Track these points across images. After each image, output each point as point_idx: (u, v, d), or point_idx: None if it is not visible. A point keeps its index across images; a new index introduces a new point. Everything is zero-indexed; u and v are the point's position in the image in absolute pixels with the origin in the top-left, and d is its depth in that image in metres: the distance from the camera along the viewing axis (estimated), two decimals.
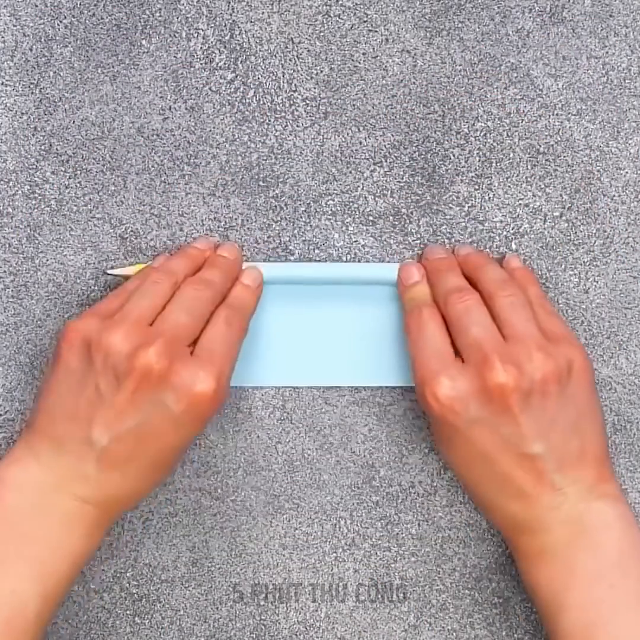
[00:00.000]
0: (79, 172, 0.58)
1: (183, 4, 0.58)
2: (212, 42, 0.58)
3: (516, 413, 0.50)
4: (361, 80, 0.58)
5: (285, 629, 0.58)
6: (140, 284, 0.53)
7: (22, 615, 0.49)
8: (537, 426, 0.50)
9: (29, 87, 0.58)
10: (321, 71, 0.58)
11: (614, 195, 0.58)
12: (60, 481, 0.51)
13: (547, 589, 0.51)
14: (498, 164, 0.58)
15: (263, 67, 0.58)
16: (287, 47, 0.58)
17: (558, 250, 0.58)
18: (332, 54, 0.58)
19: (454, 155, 0.58)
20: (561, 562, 0.51)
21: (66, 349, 0.51)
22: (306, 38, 0.58)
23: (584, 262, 0.58)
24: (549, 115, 0.58)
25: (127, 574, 0.58)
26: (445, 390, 0.51)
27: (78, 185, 0.58)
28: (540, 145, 0.58)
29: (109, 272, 0.57)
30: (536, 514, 0.51)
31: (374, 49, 0.58)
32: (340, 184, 0.58)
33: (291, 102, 0.58)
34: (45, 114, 0.58)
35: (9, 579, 0.49)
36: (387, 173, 0.58)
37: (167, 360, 0.50)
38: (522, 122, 0.58)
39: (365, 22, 0.58)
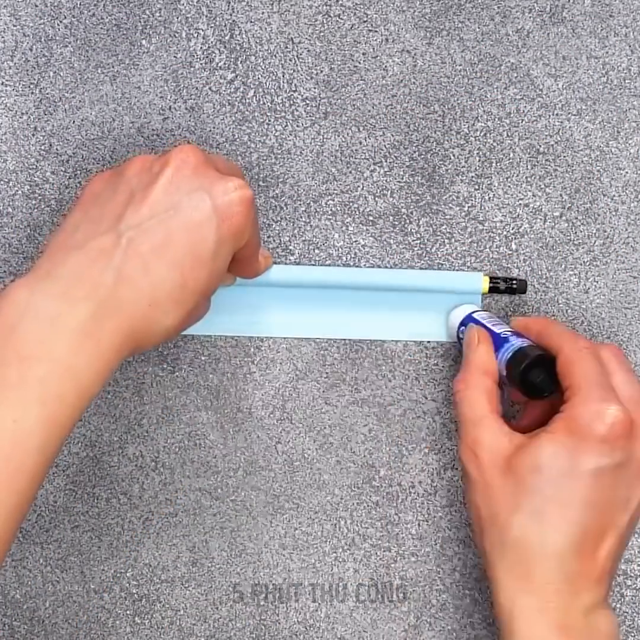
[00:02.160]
0: (79, 172, 0.58)
1: (183, 4, 0.58)
2: (212, 42, 0.58)
3: (637, 480, 0.50)
4: (361, 80, 0.58)
5: (285, 629, 0.58)
6: None
7: (23, 450, 0.42)
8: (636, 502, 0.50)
9: (29, 87, 0.58)
10: (321, 71, 0.58)
11: (614, 195, 0.58)
12: (75, 285, 0.44)
13: None
14: (498, 164, 0.58)
15: (263, 67, 0.58)
16: (287, 47, 0.58)
17: (558, 250, 0.58)
18: (332, 54, 0.58)
19: (454, 155, 0.58)
20: None
21: (94, 179, 0.49)
22: (306, 38, 0.58)
23: (584, 262, 0.58)
24: (549, 115, 0.58)
25: (127, 574, 0.58)
26: (616, 417, 0.48)
27: (78, 185, 0.58)
28: (540, 145, 0.58)
29: None
30: (569, 591, 0.48)
31: (374, 49, 0.58)
32: (340, 184, 0.58)
33: (291, 102, 0.58)
34: (45, 114, 0.58)
35: (11, 405, 0.43)
36: (387, 173, 0.58)
37: (201, 156, 0.48)
38: (522, 122, 0.58)
39: (365, 22, 0.58)
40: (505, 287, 0.57)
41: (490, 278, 0.57)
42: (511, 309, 0.58)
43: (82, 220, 0.48)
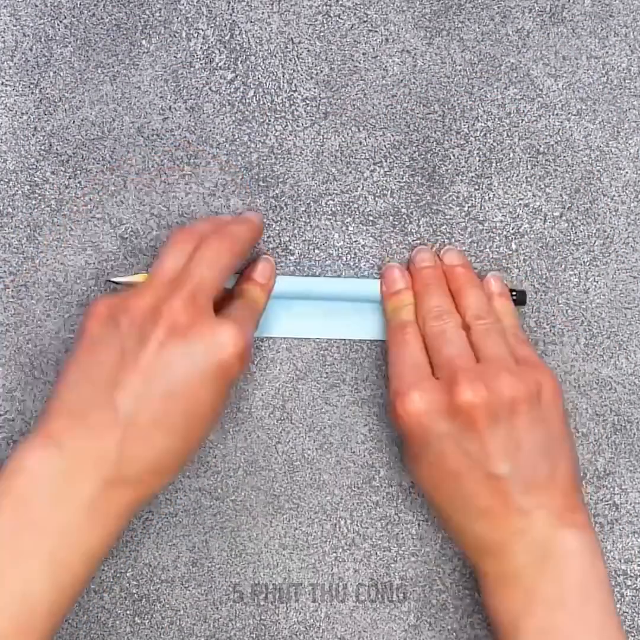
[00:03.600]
0: (79, 172, 0.58)
1: (183, 4, 0.58)
2: (212, 42, 0.58)
3: (481, 430, 0.50)
4: (361, 80, 0.58)
5: (285, 629, 0.58)
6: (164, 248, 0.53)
7: (34, 614, 0.46)
8: (503, 446, 0.50)
9: (29, 87, 0.58)
10: (321, 71, 0.58)
11: (614, 195, 0.58)
12: (81, 464, 0.47)
13: (507, 613, 0.50)
14: (498, 164, 0.58)
15: (263, 67, 0.58)
16: (287, 47, 0.58)
17: (558, 250, 0.58)
18: (332, 54, 0.58)
19: (454, 155, 0.58)
20: (523, 587, 0.50)
21: (90, 321, 0.50)
22: (306, 38, 0.58)
23: (584, 262, 0.58)
24: (549, 115, 0.58)
25: (127, 574, 0.58)
26: (415, 403, 0.51)
27: (78, 185, 0.58)
28: (540, 145, 0.58)
29: (111, 279, 0.56)
30: (501, 537, 0.51)
31: (374, 49, 0.58)
32: (340, 184, 0.58)
33: (291, 102, 0.58)
34: (45, 114, 0.58)
35: (21, 575, 0.46)
36: (387, 173, 0.58)
37: (192, 311, 0.49)
38: (522, 122, 0.58)
39: (365, 22, 0.58)
40: None
41: None
42: None
43: (80, 378, 0.49)
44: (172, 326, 0.48)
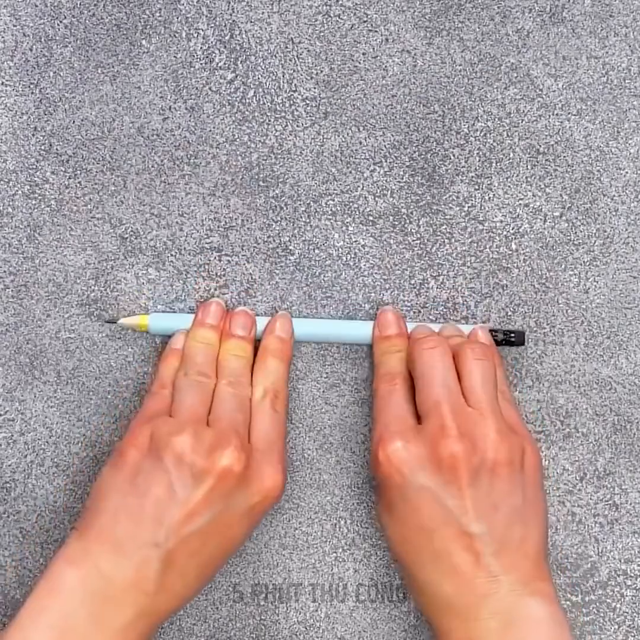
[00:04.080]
0: (79, 172, 0.58)
1: (183, 4, 0.58)
2: (212, 42, 0.58)
3: (462, 486, 0.50)
4: (361, 80, 0.58)
5: (285, 629, 0.58)
6: (178, 383, 0.55)
7: None
8: (481, 505, 0.50)
9: (29, 87, 0.58)
10: (321, 71, 0.58)
11: (614, 195, 0.58)
12: (120, 591, 0.49)
13: None
14: (498, 164, 0.58)
15: (263, 67, 0.58)
16: (287, 47, 0.58)
17: (558, 250, 0.58)
18: (332, 54, 0.58)
19: (454, 155, 0.58)
20: None
21: (131, 449, 0.51)
22: (306, 38, 0.58)
23: (584, 262, 0.58)
24: (549, 115, 0.58)
25: None
26: (397, 451, 0.51)
27: (78, 185, 0.58)
28: (540, 145, 0.58)
29: (110, 320, 0.57)
30: (467, 599, 0.50)
31: (374, 49, 0.58)
32: (340, 184, 0.58)
33: (291, 102, 0.58)
34: (45, 114, 0.58)
35: None
36: (387, 173, 0.58)
37: (245, 459, 0.51)
38: (522, 122, 0.58)
39: (365, 22, 0.58)
40: (502, 339, 0.57)
41: (490, 330, 0.57)
42: (511, 309, 0.58)
43: (124, 509, 0.51)
44: (224, 476, 0.50)
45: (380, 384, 0.55)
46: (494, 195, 0.58)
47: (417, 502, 0.50)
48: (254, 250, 0.58)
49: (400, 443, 0.51)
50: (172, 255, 0.58)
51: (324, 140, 0.58)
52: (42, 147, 0.58)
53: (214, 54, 0.58)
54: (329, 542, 0.58)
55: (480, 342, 0.55)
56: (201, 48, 0.58)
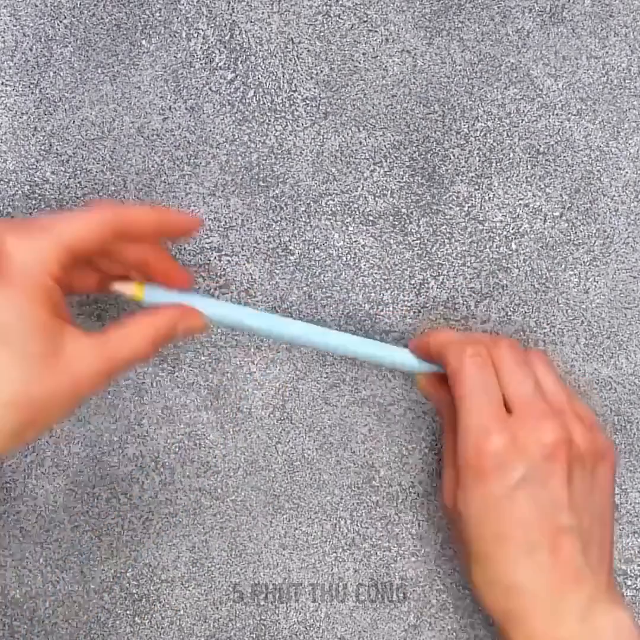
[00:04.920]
0: (79, 172, 0.58)
1: (183, 4, 0.58)
2: (212, 42, 0.58)
3: (563, 477, 0.49)
4: (361, 80, 0.58)
5: (285, 629, 0.58)
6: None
7: None
8: (575, 498, 0.49)
9: (29, 87, 0.58)
10: (321, 71, 0.58)
11: (614, 195, 0.58)
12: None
13: None
14: (498, 164, 0.58)
15: (263, 67, 0.58)
16: (287, 47, 0.58)
17: (558, 250, 0.58)
18: (332, 54, 0.58)
19: (454, 155, 0.58)
20: None
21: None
22: (306, 38, 0.58)
23: (584, 262, 0.58)
24: (549, 115, 0.58)
25: (127, 574, 0.58)
26: (496, 443, 0.49)
27: (78, 185, 0.58)
28: (540, 145, 0.58)
29: (102, 290, 0.55)
30: (554, 595, 0.48)
31: (374, 49, 0.58)
32: (340, 184, 0.58)
33: (291, 102, 0.58)
34: (45, 114, 0.58)
35: None
36: (387, 173, 0.58)
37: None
38: (522, 122, 0.58)
39: (365, 22, 0.58)
40: None
41: None
42: (511, 309, 0.58)
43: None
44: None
45: (464, 368, 0.52)
46: (494, 195, 0.58)
47: (517, 495, 0.49)
48: (254, 250, 0.58)
49: (498, 436, 0.49)
50: (172, 255, 0.58)
51: (324, 140, 0.58)
52: (42, 147, 0.58)
53: (214, 54, 0.58)
54: (329, 542, 0.58)
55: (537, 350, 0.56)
56: (201, 48, 0.58)
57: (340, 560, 0.58)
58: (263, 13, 0.58)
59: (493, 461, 0.49)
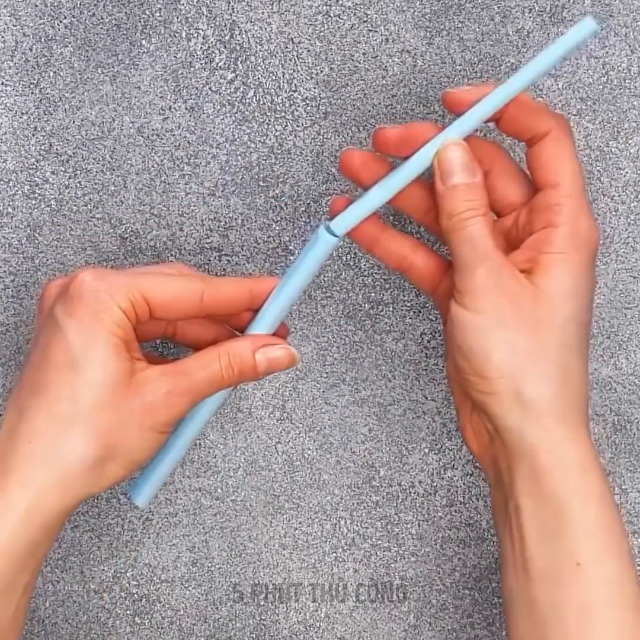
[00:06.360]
0: (79, 172, 0.58)
1: (183, 4, 0.58)
2: (212, 42, 0.58)
3: (593, 265, 0.49)
4: (361, 80, 0.58)
5: (285, 629, 0.58)
6: None
7: None
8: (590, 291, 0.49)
9: (29, 87, 0.58)
10: (321, 71, 0.58)
11: (614, 195, 0.58)
12: None
13: None
14: None
15: (263, 67, 0.58)
16: (287, 47, 0.58)
17: None
18: (332, 54, 0.58)
19: None
20: None
21: None
22: (306, 38, 0.58)
23: None
24: None
25: (127, 574, 0.58)
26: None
27: (78, 185, 0.58)
28: None
29: None
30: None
31: (374, 49, 0.58)
32: (340, 184, 0.58)
33: (291, 102, 0.58)
34: (45, 114, 0.58)
35: None
36: None
37: None
38: None
39: (365, 22, 0.58)
40: None
41: None
42: None
43: None
44: None
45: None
46: None
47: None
48: (254, 250, 0.58)
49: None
50: (172, 255, 0.58)
51: (324, 140, 0.58)
52: (42, 147, 0.58)
53: (214, 54, 0.58)
54: (329, 542, 0.58)
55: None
56: (201, 48, 0.58)
57: (340, 560, 0.58)
58: (263, 13, 0.58)
59: (596, 245, 0.49)
